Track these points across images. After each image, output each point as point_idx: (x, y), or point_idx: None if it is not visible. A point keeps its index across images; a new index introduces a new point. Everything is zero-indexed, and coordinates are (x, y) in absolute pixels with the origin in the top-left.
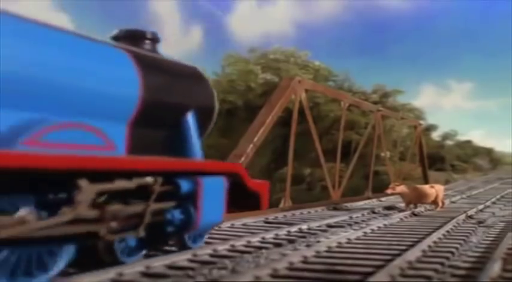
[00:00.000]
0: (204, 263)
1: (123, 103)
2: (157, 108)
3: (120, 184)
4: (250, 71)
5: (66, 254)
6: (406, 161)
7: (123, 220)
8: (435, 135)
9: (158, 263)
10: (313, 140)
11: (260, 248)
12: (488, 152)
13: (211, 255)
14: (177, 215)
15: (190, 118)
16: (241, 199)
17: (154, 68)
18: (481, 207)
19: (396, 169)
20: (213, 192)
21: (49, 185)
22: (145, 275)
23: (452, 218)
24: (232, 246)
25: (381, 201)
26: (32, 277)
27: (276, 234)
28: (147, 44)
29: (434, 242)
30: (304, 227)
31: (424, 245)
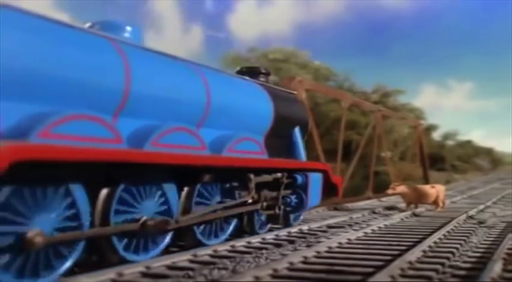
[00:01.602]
0: (205, 263)
1: (265, 121)
2: (280, 124)
3: (266, 177)
4: None
5: (234, 223)
6: (407, 161)
7: (269, 201)
8: (436, 135)
9: (158, 264)
10: (314, 140)
11: (260, 248)
12: (488, 152)
13: (212, 256)
14: (294, 199)
15: (297, 130)
16: (326, 189)
17: (276, 95)
18: (481, 207)
19: (397, 169)
20: (315, 184)
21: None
22: (145, 275)
23: (453, 218)
24: (233, 246)
25: (381, 201)
26: (212, 240)
27: (277, 235)
28: (262, 76)
29: (435, 243)
30: (304, 227)
31: (425, 245)
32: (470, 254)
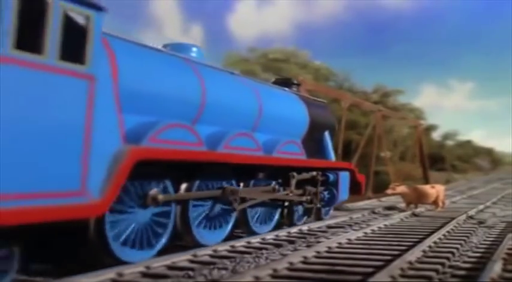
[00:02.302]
0: (205, 263)
1: (302, 126)
2: (313, 129)
3: (305, 175)
4: (251, 70)
5: (277, 215)
6: (407, 161)
7: (311, 196)
8: (436, 135)
9: (158, 264)
10: None
11: (260, 248)
12: (488, 152)
13: (212, 256)
14: (326, 194)
15: (327, 134)
16: (352, 185)
17: (309, 103)
18: (481, 207)
19: (397, 169)
20: (344, 181)
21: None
22: (145, 275)
23: (453, 218)
24: (233, 246)
25: (381, 201)
26: (263, 227)
27: (276, 235)
28: (294, 87)
29: (435, 243)
30: (304, 227)
31: (425, 245)
32: (470, 254)
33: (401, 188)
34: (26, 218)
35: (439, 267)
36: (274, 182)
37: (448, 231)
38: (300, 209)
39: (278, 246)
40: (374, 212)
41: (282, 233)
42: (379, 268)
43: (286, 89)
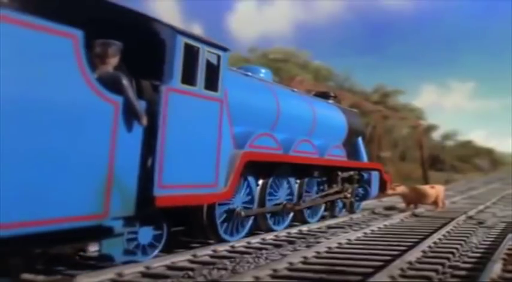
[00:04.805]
0: (204, 263)
1: (342, 132)
2: (350, 135)
3: (346, 174)
4: None
5: (323, 208)
6: (407, 161)
7: (349, 192)
8: (436, 135)
9: (158, 264)
10: None
11: (260, 248)
12: (489, 153)
13: (211, 256)
14: (360, 191)
15: (360, 139)
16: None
17: (346, 112)
18: (481, 207)
19: (397, 169)
20: (375, 179)
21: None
22: (145, 275)
23: (453, 218)
24: (232, 247)
25: (381, 201)
26: (313, 218)
27: (276, 236)
28: (331, 99)
29: (435, 243)
30: (304, 228)
31: (425, 245)
32: (470, 254)
33: (401, 188)
34: (187, 201)
35: (439, 267)
36: (326, 185)
37: (448, 232)
38: (339, 203)
39: (278, 246)
40: (374, 212)
41: (282, 234)
42: (378, 268)
43: (330, 101)
